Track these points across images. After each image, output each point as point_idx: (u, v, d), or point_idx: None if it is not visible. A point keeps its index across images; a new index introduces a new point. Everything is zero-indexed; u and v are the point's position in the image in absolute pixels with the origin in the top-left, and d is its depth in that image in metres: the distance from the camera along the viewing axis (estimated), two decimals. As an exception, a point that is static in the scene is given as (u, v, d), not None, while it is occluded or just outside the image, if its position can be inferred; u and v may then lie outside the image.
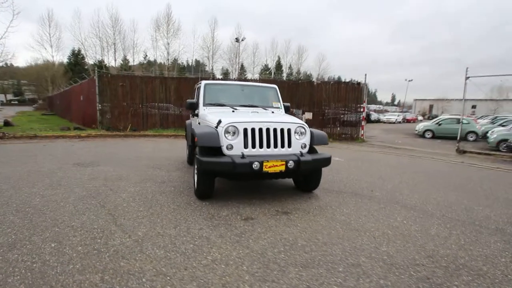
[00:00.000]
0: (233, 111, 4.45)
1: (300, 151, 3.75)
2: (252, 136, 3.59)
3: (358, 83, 12.77)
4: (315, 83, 13.94)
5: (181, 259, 2.30)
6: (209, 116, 4.15)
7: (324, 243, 2.66)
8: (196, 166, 3.69)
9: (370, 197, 4.17)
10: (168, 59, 40.22)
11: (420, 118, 40.56)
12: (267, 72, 48.62)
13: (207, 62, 44.53)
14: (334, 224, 3.12)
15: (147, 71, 34.42)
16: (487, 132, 15.22)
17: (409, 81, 52.50)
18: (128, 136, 11.37)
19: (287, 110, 5.10)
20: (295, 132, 3.79)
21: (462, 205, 3.93)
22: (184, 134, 6.79)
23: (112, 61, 39.82)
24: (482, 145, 13.28)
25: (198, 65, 48.44)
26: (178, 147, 8.76)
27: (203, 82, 4.88)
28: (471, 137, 15.54)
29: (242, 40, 29.65)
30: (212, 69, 43.58)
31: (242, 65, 45.86)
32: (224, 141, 3.51)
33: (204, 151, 3.61)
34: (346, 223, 3.15)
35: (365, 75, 12.59)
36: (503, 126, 15.04)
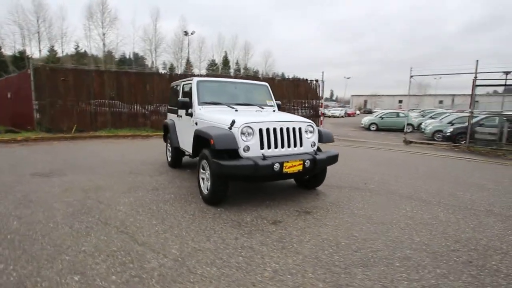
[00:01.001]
0: (236, 110, 4.25)
1: (313, 150, 3.78)
2: (267, 137, 3.49)
3: (317, 80, 13.39)
4: (276, 80, 14.19)
5: (241, 275, 2.12)
6: (213, 116, 3.89)
7: (364, 240, 2.73)
8: (209, 170, 3.43)
9: (369, 190, 4.42)
10: (104, 51, 36.55)
11: (358, 112, 44.53)
12: (214, 68, 47.82)
13: (149, 55, 41.80)
14: (359, 219, 3.23)
15: (79, 63, 30.77)
16: (420, 124, 17.50)
17: (347, 78, 57.07)
18: (76, 138, 10.04)
19: (279, 108, 5.09)
20: (305, 131, 3.80)
21: (445, 191, 4.43)
22: (163, 134, 6.26)
23: (36, 51, 34.60)
24: (418, 135, 15.17)
25: (138, 58, 45.18)
26: (146, 149, 8.07)
27: (195, 79, 4.55)
28: (409, 128, 17.62)
29: (192, 34, 28.46)
30: (153, 62, 41.07)
31: (188, 60, 44.21)
32: (241, 142, 3.33)
33: (218, 153, 3.38)
34: (368, 217, 3.28)
35: (322, 72, 13.28)
36: (433, 118, 17.44)
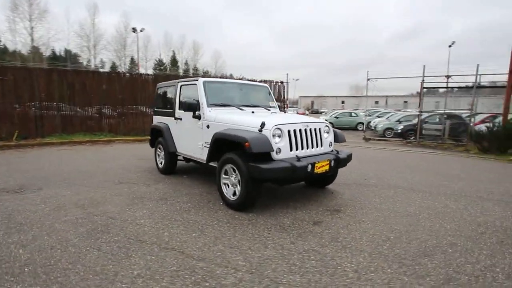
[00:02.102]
0: (253, 112, 4.14)
1: (335, 150, 3.88)
2: (295, 138, 3.47)
3: (282, 82, 13.74)
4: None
5: (328, 279, 2.08)
6: (233, 118, 3.71)
7: (407, 232, 2.90)
8: (241, 174, 3.26)
9: (373, 185, 4.71)
10: (32, 46, 32.05)
11: (307, 112, 46.88)
12: (162, 68, 45.65)
13: (87, 52, 37.98)
14: (387, 213, 3.42)
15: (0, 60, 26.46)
16: (369, 122, 19.19)
17: (296, 80, 59.55)
18: (22, 147, 8.62)
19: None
20: (324, 131, 3.88)
21: (435, 183, 4.95)
22: (149, 139, 5.74)
23: None
24: (370, 133, 16.59)
25: (71, 55, 40.75)
26: (117, 155, 7.34)
27: (201, 80, 4.28)
28: (360, 127, 19.21)
29: (141, 31, 26.57)
30: (89, 61, 37.44)
31: (132, 59, 41.35)
32: (274, 145, 3.26)
33: (249, 157, 3.25)
34: (393, 211, 3.50)
35: (287, 74, 13.67)
36: (380, 117, 19.29)
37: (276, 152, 3.27)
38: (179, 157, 5.12)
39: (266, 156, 3.26)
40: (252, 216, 3.28)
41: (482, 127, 9.21)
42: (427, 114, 12.32)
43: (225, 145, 3.66)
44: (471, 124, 11.86)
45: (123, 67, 39.83)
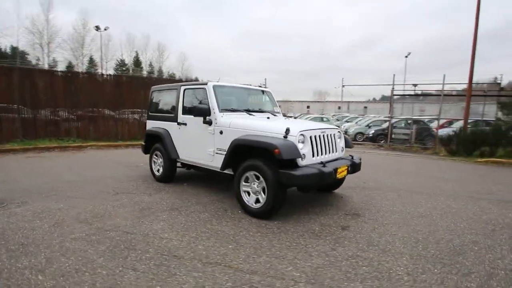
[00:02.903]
0: (268, 118, 4.08)
1: (350, 155, 3.98)
2: (316, 144, 3.50)
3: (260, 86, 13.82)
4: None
5: (388, 284, 2.11)
6: (252, 124, 3.62)
7: (429, 232, 3.06)
8: (268, 181, 3.18)
9: (376, 188, 4.90)
10: (-28, 41, 28.50)
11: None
12: (124, 69, 43.38)
13: (40, 50, 34.78)
14: (404, 215, 3.58)
15: None
16: (339, 127, 20.06)
17: (263, 85, 60.32)
18: (-22, 155, 7.58)
19: None
20: (337, 137, 3.97)
21: (428, 184, 5.31)
22: (143, 145, 5.37)
23: None
24: (341, 137, 17.34)
25: (19, 53, 37.06)
26: (97, 163, 6.78)
27: (211, 84, 4.13)
28: (331, 131, 19.97)
29: (105, 29, 24.87)
30: (39, 59, 34.38)
31: (91, 58, 38.72)
32: (300, 151, 3.25)
33: (276, 163, 3.20)
34: (408, 213, 3.67)
35: (265, 79, 13.77)
36: (348, 122, 20.28)
37: (302, 158, 3.27)
38: (179, 165, 4.89)
39: (290, 162, 3.23)
40: (278, 223, 3.22)
41: (449, 131, 10.10)
42: (395, 119, 13.21)
43: (243, 152, 3.57)
44: (434, 129, 12.95)
45: (80, 67, 37.08)
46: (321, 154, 3.55)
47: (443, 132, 11.05)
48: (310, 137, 3.43)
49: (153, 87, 5.40)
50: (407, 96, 13.12)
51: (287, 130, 3.26)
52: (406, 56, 31.13)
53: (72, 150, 8.78)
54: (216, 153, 3.96)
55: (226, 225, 3.17)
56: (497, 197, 4.50)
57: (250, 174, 3.40)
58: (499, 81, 12.24)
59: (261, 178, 3.28)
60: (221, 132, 3.87)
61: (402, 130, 12.43)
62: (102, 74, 13.36)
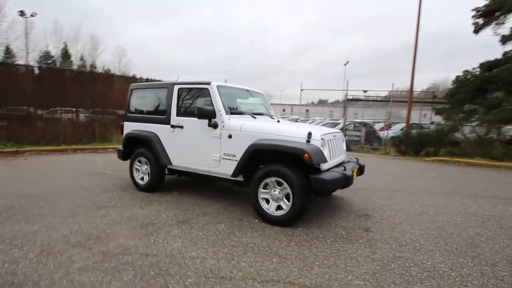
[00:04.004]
0: (278, 121, 3.95)
1: (356, 158, 4.09)
2: (330, 147, 3.52)
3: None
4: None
5: (445, 283, 2.20)
6: (269, 128, 3.46)
7: (439, 228, 3.32)
8: (295, 187, 3.06)
9: (366, 188, 5.15)
10: None
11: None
12: (50, 62, 38.05)
13: None
14: (407, 213, 3.82)
15: None
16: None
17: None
18: None
19: None
20: (342, 141, 4.07)
21: (403, 182, 5.81)
22: (122, 150, 4.68)
23: None
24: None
25: None
26: (50, 171, 5.76)
27: (214, 84, 3.82)
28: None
29: (32, 16, 21.11)
30: None
31: (7, 48, 32.91)
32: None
33: (300, 168, 3.12)
34: (409, 211, 3.93)
35: (225, 80, 13.51)
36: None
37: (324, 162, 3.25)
38: (167, 172, 4.44)
39: (314, 167, 3.18)
40: (304, 230, 3.14)
41: (394, 133, 11.32)
42: (347, 122, 14.29)
43: (257, 158, 3.40)
44: (378, 131, 14.37)
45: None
46: (334, 158, 3.59)
47: (391, 133, 12.35)
48: (328, 141, 3.44)
49: (133, 85, 4.78)
50: (351, 101, 14.32)
51: (309, 134, 3.21)
52: (345, 64, 33.98)
53: (7, 157, 7.27)
54: (223, 158, 3.68)
55: (252, 236, 2.96)
56: (463, 192, 5.15)
57: (271, 180, 3.24)
58: (433, 90, 14.20)
59: (285, 184, 3.15)
60: (229, 136, 3.62)
61: (354, 132, 13.50)
62: (28, 66, 11.43)
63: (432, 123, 11.93)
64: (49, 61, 37.68)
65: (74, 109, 10.19)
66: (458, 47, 69.20)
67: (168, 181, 4.98)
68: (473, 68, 10.85)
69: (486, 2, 9.79)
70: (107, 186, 4.75)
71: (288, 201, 3.16)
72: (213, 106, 3.72)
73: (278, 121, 3.97)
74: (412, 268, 2.41)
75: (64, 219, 3.30)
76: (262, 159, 3.47)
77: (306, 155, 2.95)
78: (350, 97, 13.42)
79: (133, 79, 11.63)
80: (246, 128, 3.54)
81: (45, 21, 54.29)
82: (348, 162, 3.93)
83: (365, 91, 13.04)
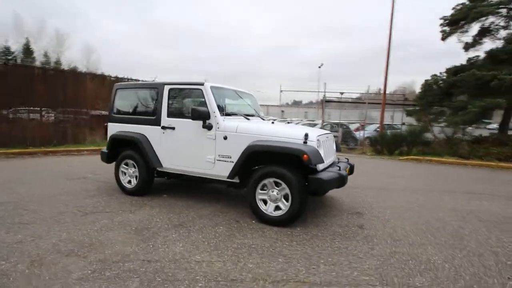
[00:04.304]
0: (272, 122, 3.96)
1: (346, 158, 4.22)
2: (324, 148, 3.62)
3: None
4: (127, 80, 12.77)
5: (442, 274, 2.35)
6: (266, 129, 3.47)
7: (426, 223, 3.53)
8: (293, 188, 3.10)
9: (351, 187, 5.31)
10: None
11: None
12: (10, 58, 35.29)
13: None
14: (394, 210, 4.02)
15: None
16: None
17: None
18: None
19: None
20: (333, 141, 4.19)
21: (384, 180, 6.08)
22: (106, 153, 4.47)
23: None
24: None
25: None
26: (21, 176, 5.36)
27: (208, 85, 3.77)
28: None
29: None
30: None
31: (-41, 41, 30.07)
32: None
33: (296, 169, 3.17)
34: (396, 207, 4.13)
35: (205, 80, 13.33)
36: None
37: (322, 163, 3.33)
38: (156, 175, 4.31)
39: (311, 168, 3.25)
40: (302, 229, 3.19)
41: (369, 133, 11.82)
42: (325, 123, 14.68)
43: (254, 158, 3.41)
44: (353, 131, 14.90)
45: None
46: (327, 158, 3.69)
47: (366, 134, 12.88)
48: (322, 142, 3.52)
49: (117, 84, 4.59)
50: (327, 102, 14.77)
51: (306, 136, 3.27)
52: (319, 67, 34.82)
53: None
54: (218, 160, 3.65)
55: (253, 237, 2.97)
56: (440, 188, 5.50)
57: (269, 181, 3.26)
58: (400, 93, 15.02)
59: (283, 185, 3.19)
60: (225, 138, 3.59)
61: (332, 132, 13.88)
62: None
63: (403, 124, 12.60)
64: (9, 57, 34.96)
65: (43, 108, 9.55)
66: (422, 53, 73.72)
67: (156, 184, 4.82)
68: (440, 73, 11.63)
69: (453, 12, 10.53)
70: (91, 191, 4.52)
71: (287, 201, 3.20)
72: (207, 107, 3.67)
73: (273, 122, 4.00)
74: (410, 261, 2.54)
75: (49, 227, 3.10)
76: (258, 160, 3.48)
77: (305, 155, 3.01)
78: (328, 99, 13.81)
79: (110, 78, 11.10)
80: (242, 130, 3.54)
81: (4, 15, 50.16)
82: (339, 162, 4.05)
83: (342, 93, 13.52)
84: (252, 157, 3.38)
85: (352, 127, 15.38)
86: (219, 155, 3.64)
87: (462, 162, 8.54)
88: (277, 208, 3.27)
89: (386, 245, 2.86)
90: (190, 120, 3.73)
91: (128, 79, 11.08)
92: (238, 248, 2.70)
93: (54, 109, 9.95)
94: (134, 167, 4.24)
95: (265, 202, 3.34)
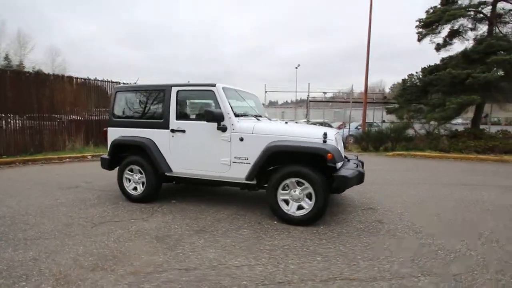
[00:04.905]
0: (286, 122, 3.95)
1: (356, 156, 4.31)
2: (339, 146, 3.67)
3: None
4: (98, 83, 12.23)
5: (472, 262, 2.46)
6: (284, 129, 3.46)
7: (438, 214, 3.70)
8: (316, 186, 3.11)
9: (367, 182, 5.46)
10: None
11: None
12: (-35, 61, 32.39)
13: None
14: (403, 204, 4.16)
15: None
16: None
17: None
18: None
19: None
20: (340, 140, 4.26)
21: (382, 176, 6.29)
22: (108, 159, 4.21)
23: None
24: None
25: None
26: (7, 186, 4.94)
27: (220, 86, 3.69)
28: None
29: None
30: None
31: None
32: (339, 154, 3.34)
33: (316, 168, 3.20)
34: (404, 201, 4.28)
35: (188, 81, 13.07)
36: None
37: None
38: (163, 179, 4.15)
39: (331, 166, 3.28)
40: (325, 227, 3.22)
41: (354, 132, 12.20)
42: (310, 122, 14.95)
43: (273, 159, 3.38)
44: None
45: None
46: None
47: (349, 132, 13.28)
48: (337, 140, 3.58)
49: (117, 86, 4.36)
50: (300, 102, 15.10)
51: (325, 135, 3.30)
52: (296, 67, 35.43)
53: None
54: (234, 162, 3.58)
55: (281, 238, 2.94)
56: (437, 181, 5.79)
57: (291, 181, 3.25)
58: (382, 92, 15.65)
59: (306, 184, 3.19)
60: (241, 139, 3.53)
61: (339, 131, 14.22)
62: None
63: (383, 121, 13.15)
64: (-36, 60, 32.04)
65: (14, 114, 8.83)
66: (389, 53, 77.44)
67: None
68: (417, 72, 12.30)
69: (427, 15, 11.17)
70: (90, 200, 4.25)
71: (310, 200, 3.21)
72: (220, 109, 3.59)
73: (286, 123, 4.00)
74: (439, 252, 2.65)
75: (61, 241, 2.87)
76: (274, 161, 3.46)
77: (329, 154, 3.04)
78: (311, 99, 14.08)
79: (89, 81, 10.49)
80: (259, 130, 3.50)
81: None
82: (350, 159, 4.14)
83: (325, 93, 13.88)
84: (272, 158, 3.35)
85: (334, 125, 15.82)
86: (235, 157, 3.57)
87: (444, 155, 9.06)
88: (299, 207, 3.27)
89: (411, 238, 2.96)
90: (202, 122, 3.65)
91: (115, 82, 10.55)
92: (272, 250, 2.66)
93: (27, 114, 9.25)
94: (140, 173, 4.05)
95: (286, 202, 3.33)
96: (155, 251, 2.67)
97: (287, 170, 3.26)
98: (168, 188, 4.86)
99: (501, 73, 8.93)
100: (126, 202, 4.14)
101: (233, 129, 3.57)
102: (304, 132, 3.42)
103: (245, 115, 3.92)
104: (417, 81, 11.93)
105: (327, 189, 3.16)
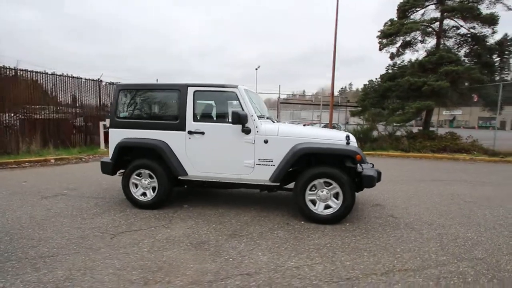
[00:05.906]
0: (304, 125, 4.02)
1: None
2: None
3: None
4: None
5: (483, 249, 2.85)
6: (308, 132, 3.56)
7: (438, 206, 4.16)
8: (345, 187, 3.28)
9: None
10: None
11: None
12: None
13: None
14: (405, 200, 4.58)
15: None
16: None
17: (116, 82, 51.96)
18: None
19: None
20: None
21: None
22: (112, 163, 3.81)
23: None
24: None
25: None
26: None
27: (242, 87, 3.65)
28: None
29: None
30: None
31: None
32: (359, 155, 3.56)
33: (346, 168, 3.38)
34: (404, 197, 4.71)
35: (157, 80, 12.44)
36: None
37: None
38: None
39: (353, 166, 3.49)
40: (351, 225, 3.41)
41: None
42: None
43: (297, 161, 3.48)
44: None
45: None
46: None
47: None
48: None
49: (121, 85, 4.01)
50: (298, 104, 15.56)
51: (348, 137, 3.51)
52: (256, 69, 35.92)
53: None
54: (258, 164, 3.59)
55: (319, 237, 3.04)
56: (411, 178, 6.45)
57: (319, 182, 3.38)
58: (345, 96, 16.74)
59: (334, 184, 3.35)
60: (265, 141, 3.55)
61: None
62: None
63: (347, 123, 14.11)
64: None
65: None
66: (340, 60, 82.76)
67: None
68: (376, 79, 13.45)
69: (386, 27, 12.31)
70: (91, 209, 3.86)
71: (337, 200, 3.38)
72: (244, 111, 3.57)
73: (304, 125, 4.12)
74: (458, 240, 3.01)
75: (85, 255, 2.60)
76: (296, 163, 3.54)
77: (358, 156, 3.24)
78: (281, 100, 14.48)
79: (43, 74, 9.31)
80: (284, 133, 3.56)
81: None
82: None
83: (294, 94, 14.37)
84: (299, 160, 3.44)
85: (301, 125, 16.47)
86: (259, 159, 3.58)
87: (405, 155, 10.10)
88: (326, 207, 3.41)
89: (428, 229, 3.30)
90: (224, 124, 3.60)
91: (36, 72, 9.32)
92: (318, 249, 2.75)
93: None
94: (151, 177, 3.81)
95: (313, 202, 3.44)
96: (201, 258, 2.57)
97: (316, 171, 3.38)
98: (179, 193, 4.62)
99: (447, 83, 10.25)
100: (134, 209, 3.85)
101: (257, 131, 3.57)
102: (328, 135, 3.58)
103: (261, 117, 3.94)
104: (377, 86, 13.04)
105: (354, 188, 3.36)
